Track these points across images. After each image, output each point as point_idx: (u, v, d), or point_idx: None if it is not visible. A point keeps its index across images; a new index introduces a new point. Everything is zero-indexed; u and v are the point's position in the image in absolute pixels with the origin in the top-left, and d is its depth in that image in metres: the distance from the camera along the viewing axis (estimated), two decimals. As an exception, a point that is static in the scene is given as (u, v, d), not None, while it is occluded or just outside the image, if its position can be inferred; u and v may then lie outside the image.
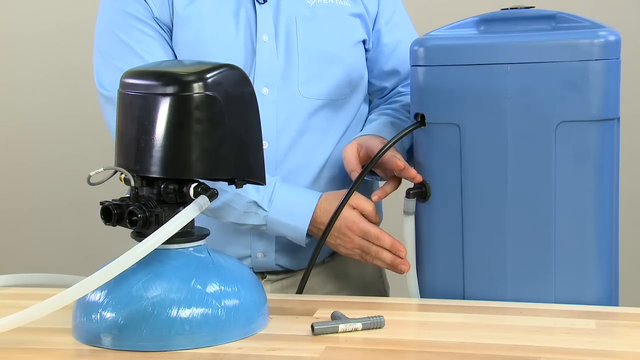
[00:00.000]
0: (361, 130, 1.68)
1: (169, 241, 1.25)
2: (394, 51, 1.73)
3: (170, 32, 1.60)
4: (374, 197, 1.55)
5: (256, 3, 1.60)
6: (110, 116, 1.57)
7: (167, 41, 1.60)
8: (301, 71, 1.61)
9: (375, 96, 1.78)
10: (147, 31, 1.59)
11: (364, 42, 1.70)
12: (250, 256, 1.63)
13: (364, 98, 1.73)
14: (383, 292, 1.80)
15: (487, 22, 1.51)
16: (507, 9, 1.50)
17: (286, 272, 1.67)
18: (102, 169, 1.31)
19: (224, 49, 1.58)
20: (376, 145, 1.54)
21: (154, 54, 1.58)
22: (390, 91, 1.77)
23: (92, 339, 1.25)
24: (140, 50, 1.57)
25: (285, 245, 1.63)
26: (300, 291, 1.56)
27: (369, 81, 1.74)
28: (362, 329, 1.29)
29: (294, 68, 1.61)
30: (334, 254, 1.70)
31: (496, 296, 1.46)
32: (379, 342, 1.26)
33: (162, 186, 1.27)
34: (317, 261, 1.59)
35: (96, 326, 1.24)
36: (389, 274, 1.65)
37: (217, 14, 1.60)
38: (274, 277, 1.67)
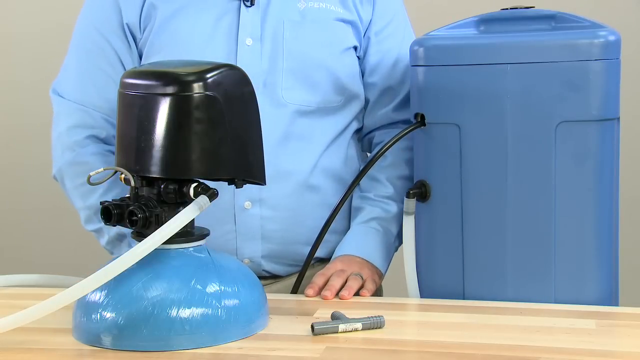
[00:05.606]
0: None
1: (169, 241, 1.25)
2: (379, 63, 1.67)
3: (136, 40, 1.62)
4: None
5: (242, 7, 1.59)
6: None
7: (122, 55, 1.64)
8: (285, 75, 1.59)
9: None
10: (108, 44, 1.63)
11: (355, 49, 1.66)
12: None
13: (357, 111, 1.67)
14: (376, 293, 1.79)
15: (487, 22, 1.51)
16: (507, 9, 1.50)
17: (274, 277, 1.66)
18: (102, 169, 1.31)
19: (200, 53, 1.56)
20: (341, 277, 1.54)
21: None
22: (373, 107, 1.69)
23: (92, 339, 1.25)
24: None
25: (272, 251, 1.62)
26: (294, 292, 1.57)
27: None
28: (362, 329, 1.29)
29: (278, 72, 1.59)
30: (322, 260, 1.68)
31: (496, 296, 1.46)
32: (379, 342, 1.26)
33: (162, 186, 1.27)
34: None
35: (96, 326, 1.24)
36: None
37: (197, 19, 1.58)
38: (262, 282, 1.66)
